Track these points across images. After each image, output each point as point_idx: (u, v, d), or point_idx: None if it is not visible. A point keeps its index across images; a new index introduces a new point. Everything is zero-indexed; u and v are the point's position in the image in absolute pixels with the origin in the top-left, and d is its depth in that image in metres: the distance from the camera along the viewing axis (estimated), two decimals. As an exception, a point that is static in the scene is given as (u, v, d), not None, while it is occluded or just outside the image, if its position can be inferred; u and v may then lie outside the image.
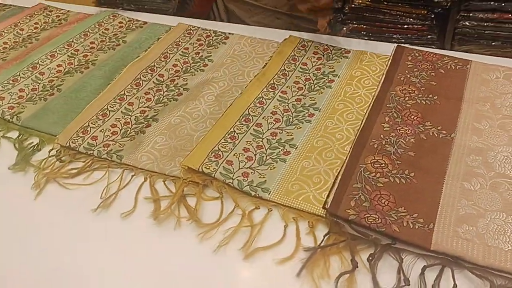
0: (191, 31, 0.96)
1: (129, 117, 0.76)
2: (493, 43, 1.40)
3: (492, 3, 1.33)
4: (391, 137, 0.65)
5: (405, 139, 0.65)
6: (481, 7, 1.35)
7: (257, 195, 0.61)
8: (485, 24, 1.38)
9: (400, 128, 0.66)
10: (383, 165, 0.61)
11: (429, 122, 0.67)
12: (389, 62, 0.79)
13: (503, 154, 0.62)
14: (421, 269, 0.51)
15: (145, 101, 0.79)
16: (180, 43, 0.93)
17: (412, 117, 0.68)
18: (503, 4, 1.32)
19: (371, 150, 0.63)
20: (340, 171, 0.61)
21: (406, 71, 0.76)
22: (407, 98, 0.71)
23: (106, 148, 0.70)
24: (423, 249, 0.52)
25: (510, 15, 1.33)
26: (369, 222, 0.54)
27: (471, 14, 1.37)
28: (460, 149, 0.63)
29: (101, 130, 0.74)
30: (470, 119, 0.68)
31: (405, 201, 0.57)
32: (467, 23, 1.39)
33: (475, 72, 0.76)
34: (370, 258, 0.52)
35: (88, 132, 0.73)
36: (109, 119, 0.76)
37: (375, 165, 0.61)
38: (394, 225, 0.53)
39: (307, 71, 0.82)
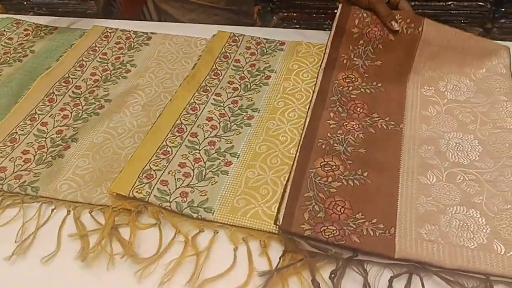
0: (108, 34, 0.86)
1: (44, 139, 0.66)
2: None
3: (417, -19, 1.33)
4: (338, 135, 0.60)
5: (354, 135, 0.60)
6: (407, -14, 1.34)
7: (200, 217, 0.54)
8: (412, 4, 1.38)
9: (347, 123, 0.62)
10: (334, 167, 0.56)
11: (376, 114, 0.63)
12: (333, 31, 0.71)
13: (454, 141, 0.59)
14: (388, 281, 0.46)
15: (62, 119, 0.69)
16: (97, 48, 0.83)
17: (358, 109, 0.64)
18: (428, -18, 1.32)
19: (319, 151, 0.58)
20: (288, 178, 0.55)
21: (351, 47, 0.70)
22: (351, 88, 0.67)
23: (18, 180, 0.60)
24: (388, 258, 0.47)
25: (435, -7, 1.34)
26: (327, 236, 0.48)
27: (398, -6, 1.36)
28: (411, 140, 0.59)
29: (10, 159, 0.63)
30: (417, 106, 0.64)
31: (362, 206, 0.52)
32: (395, 4, 1.38)
33: (426, 39, 0.69)
34: (332, 275, 0.47)
35: (-6, 164, 0.62)
36: (19, 144, 0.65)
37: (325, 168, 0.56)
38: (354, 236, 0.48)
39: (241, 69, 0.75)
